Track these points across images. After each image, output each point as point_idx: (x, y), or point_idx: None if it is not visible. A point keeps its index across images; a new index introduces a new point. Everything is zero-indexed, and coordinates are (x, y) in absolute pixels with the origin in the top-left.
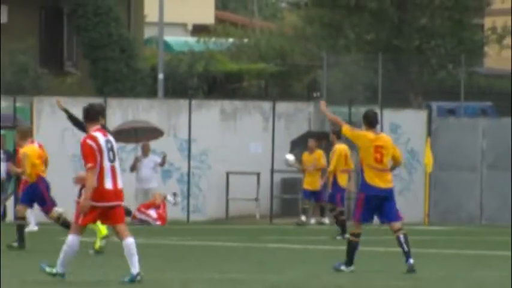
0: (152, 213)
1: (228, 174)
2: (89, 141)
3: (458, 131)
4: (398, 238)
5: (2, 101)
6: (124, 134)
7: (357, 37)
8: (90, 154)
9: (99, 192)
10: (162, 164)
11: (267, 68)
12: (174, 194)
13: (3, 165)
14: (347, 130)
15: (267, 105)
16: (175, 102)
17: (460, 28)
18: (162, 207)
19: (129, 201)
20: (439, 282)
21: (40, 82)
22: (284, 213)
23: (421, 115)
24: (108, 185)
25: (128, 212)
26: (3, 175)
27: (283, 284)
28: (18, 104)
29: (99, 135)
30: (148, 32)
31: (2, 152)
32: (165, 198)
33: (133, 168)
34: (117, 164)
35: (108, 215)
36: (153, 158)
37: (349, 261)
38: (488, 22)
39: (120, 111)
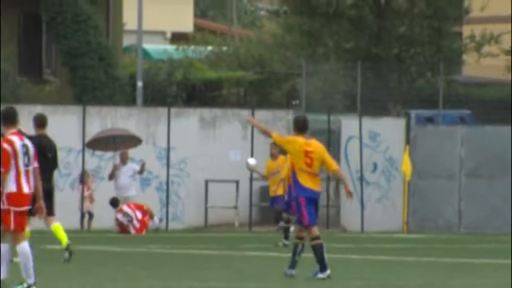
0: (138, 214)
1: (207, 182)
2: (5, 145)
3: (436, 139)
4: (315, 247)
5: None
6: (102, 142)
7: (336, 45)
8: (3, 158)
9: (18, 197)
10: (140, 171)
11: (246, 76)
12: (160, 220)
13: None
14: (277, 137)
15: (246, 113)
16: (154, 110)
17: (438, 36)
18: (147, 217)
19: (109, 210)
20: None
21: (19, 90)
22: (263, 221)
23: (400, 123)
24: (26, 189)
25: (115, 202)
26: None
27: None
28: None
29: (16, 139)
30: (127, 40)
31: None
32: (152, 216)
33: (112, 176)
34: (31, 167)
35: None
36: (132, 166)
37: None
38: (466, 30)
39: (99, 119)
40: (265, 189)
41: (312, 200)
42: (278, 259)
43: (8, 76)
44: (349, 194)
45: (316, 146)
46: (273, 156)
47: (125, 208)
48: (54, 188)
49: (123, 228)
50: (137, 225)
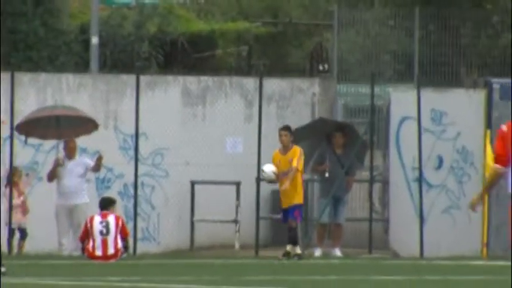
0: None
1: (193, 184)
2: None
3: None
4: None
5: None
6: (41, 125)
7: None
8: None
9: None
10: (96, 168)
11: (251, 29)
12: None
13: None
14: None
15: (251, 82)
16: (116, 78)
17: None
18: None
19: (49, 224)
20: None
21: None
22: (275, 242)
23: (477, 98)
24: None
25: (111, 202)
26: None
27: None
28: None
29: None
30: None
31: None
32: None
33: (53, 175)
34: None
35: None
36: (82, 161)
37: None
38: None
39: (35, 92)
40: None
41: None
42: None
43: None
44: None
45: None
46: (284, 148)
47: (110, 217)
48: None
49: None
50: (112, 247)
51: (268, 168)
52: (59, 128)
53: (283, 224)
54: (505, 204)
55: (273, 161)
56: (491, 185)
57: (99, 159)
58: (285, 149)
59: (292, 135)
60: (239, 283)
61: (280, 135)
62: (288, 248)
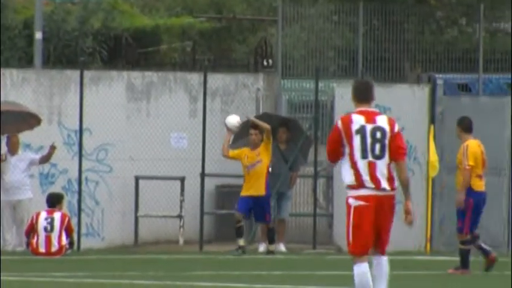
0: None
1: (137, 179)
2: None
3: (475, 116)
4: None
5: None
6: None
7: None
8: None
9: None
10: (46, 158)
11: (196, 24)
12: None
13: None
14: None
15: (195, 78)
16: (60, 73)
17: None
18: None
19: None
20: None
21: None
22: (220, 237)
23: (421, 93)
24: None
25: (59, 198)
26: None
27: None
28: None
29: None
30: None
31: None
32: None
33: None
34: None
35: None
36: (26, 156)
37: None
38: None
39: None
40: (224, 189)
41: None
42: None
43: None
44: None
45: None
46: (254, 144)
47: (56, 214)
48: None
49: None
50: (56, 244)
51: (234, 119)
52: (0, 124)
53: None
54: (447, 199)
55: (241, 155)
56: None
57: (53, 148)
58: (255, 146)
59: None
60: (183, 278)
61: (250, 134)
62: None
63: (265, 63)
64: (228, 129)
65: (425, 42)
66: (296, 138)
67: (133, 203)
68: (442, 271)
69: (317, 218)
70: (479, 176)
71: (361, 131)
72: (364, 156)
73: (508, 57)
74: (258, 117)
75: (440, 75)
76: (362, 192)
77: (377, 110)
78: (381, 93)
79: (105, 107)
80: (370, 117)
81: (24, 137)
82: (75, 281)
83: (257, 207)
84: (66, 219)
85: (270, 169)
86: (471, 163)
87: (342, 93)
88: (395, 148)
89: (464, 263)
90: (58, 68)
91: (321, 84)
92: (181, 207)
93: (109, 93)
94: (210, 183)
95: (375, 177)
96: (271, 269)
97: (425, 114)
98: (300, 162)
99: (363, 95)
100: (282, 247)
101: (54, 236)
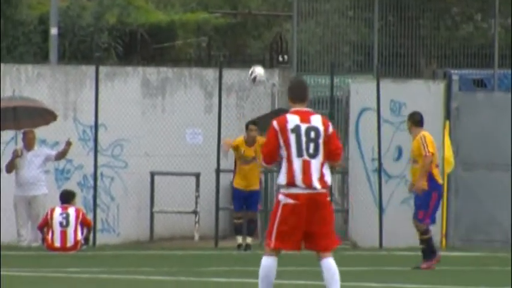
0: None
1: (153, 175)
2: None
3: (490, 111)
4: None
5: None
6: None
7: None
8: None
9: None
10: (62, 154)
11: (211, 20)
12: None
13: None
14: None
15: (210, 73)
16: (75, 69)
17: None
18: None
19: (8, 213)
20: None
21: None
22: (235, 233)
23: (436, 89)
24: None
25: (72, 195)
26: None
27: None
28: None
29: None
30: None
31: None
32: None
33: (11, 166)
34: None
35: None
36: (42, 152)
37: None
38: None
39: None
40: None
41: None
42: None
43: None
44: None
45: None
46: (252, 141)
47: (71, 210)
48: None
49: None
50: (71, 239)
51: (260, 70)
52: (16, 119)
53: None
54: (463, 195)
55: (240, 146)
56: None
57: (68, 145)
58: (252, 142)
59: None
60: (198, 274)
61: (250, 130)
62: (248, 240)
63: (280, 58)
64: (255, 79)
65: (440, 38)
66: None
67: (149, 199)
68: (458, 267)
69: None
70: (438, 166)
71: (296, 130)
72: (299, 154)
73: None
74: (273, 112)
75: (456, 71)
76: (293, 190)
77: (311, 110)
78: (396, 88)
79: (121, 102)
80: (305, 117)
81: (39, 132)
82: (90, 276)
83: (250, 199)
84: (81, 214)
85: None
86: (431, 150)
87: (357, 88)
88: (332, 149)
89: (432, 251)
90: (73, 64)
91: (336, 80)
92: (196, 203)
93: (124, 89)
94: (225, 179)
95: (307, 176)
96: (285, 264)
97: (441, 109)
98: None
99: (297, 95)
100: None
101: (70, 231)
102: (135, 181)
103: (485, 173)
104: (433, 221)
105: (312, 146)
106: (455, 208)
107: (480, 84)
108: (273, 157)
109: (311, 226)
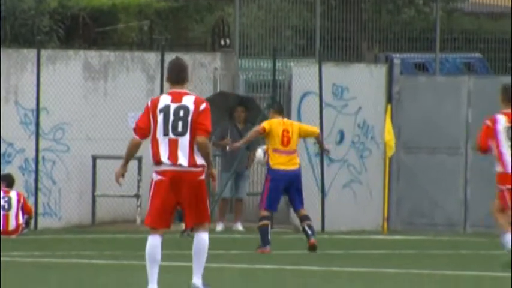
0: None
1: (94, 158)
2: None
3: (432, 95)
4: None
5: None
6: None
7: None
8: None
9: None
10: None
11: (153, 3)
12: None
13: None
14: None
15: (152, 57)
16: (17, 53)
17: None
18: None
19: None
20: None
21: None
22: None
23: (378, 73)
24: None
25: (13, 181)
26: None
27: None
28: None
29: None
30: None
31: None
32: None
33: None
34: None
35: None
36: None
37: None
38: None
39: None
40: None
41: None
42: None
43: None
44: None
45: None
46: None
47: (12, 193)
48: None
49: None
50: (13, 223)
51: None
52: None
53: None
54: (405, 179)
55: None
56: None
57: None
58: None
59: None
60: (141, 258)
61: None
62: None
63: (222, 42)
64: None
65: (382, 22)
66: (254, 118)
67: (91, 183)
68: (400, 250)
69: None
70: (277, 151)
71: (165, 109)
72: (165, 133)
73: (464, 37)
74: (215, 96)
75: (397, 55)
76: (161, 167)
77: (188, 91)
78: (338, 72)
79: (62, 86)
80: (177, 97)
81: None
82: (32, 260)
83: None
84: (22, 198)
85: (228, 148)
86: (265, 126)
87: (300, 72)
88: (196, 124)
89: (264, 240)
90: (14, 47)
91: (278, 64)
92: (138, 186)
93: (66, 72)
94: None
95: (173, 154)
96: (229, 248)
97: (383, 93)
98: (257, 142)
99: (173, 77)
100: (239, 226)
101: (12, 215)
102: (77, 165)
103: (427, 156)
104: (270, 208)
105: (180, 124)
106: (397, 192)
107: (422, 68)
108: (144, 133)
109: (181, 202)
